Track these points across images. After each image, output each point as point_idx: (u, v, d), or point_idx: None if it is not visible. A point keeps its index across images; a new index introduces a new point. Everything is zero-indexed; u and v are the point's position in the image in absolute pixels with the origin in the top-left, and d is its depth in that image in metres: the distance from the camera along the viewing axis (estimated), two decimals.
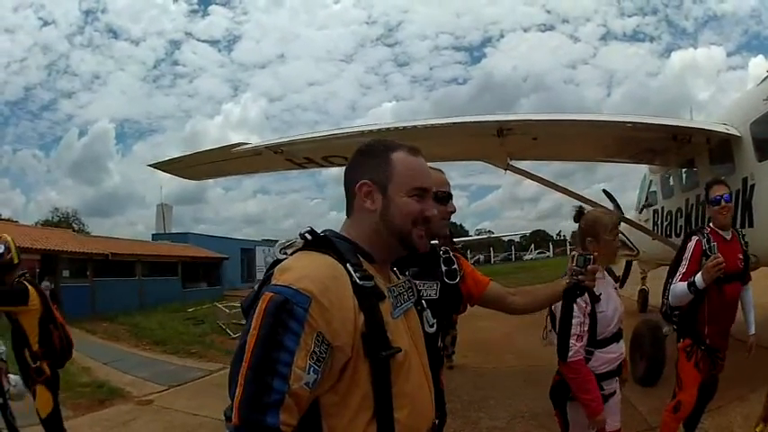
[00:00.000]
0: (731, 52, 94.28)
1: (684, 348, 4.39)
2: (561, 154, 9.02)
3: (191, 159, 8.04)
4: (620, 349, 3.53)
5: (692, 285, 4.00)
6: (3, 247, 4.83)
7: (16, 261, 4.89)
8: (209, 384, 9.24)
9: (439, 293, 2.72)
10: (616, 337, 3.50)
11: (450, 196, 2.72)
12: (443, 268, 2.77)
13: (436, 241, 2.94)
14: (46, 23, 76.39)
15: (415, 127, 6.62)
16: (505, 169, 7.09)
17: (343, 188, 1.76)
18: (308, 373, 1.38)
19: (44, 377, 4.84)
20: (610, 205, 10.61)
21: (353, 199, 1.71)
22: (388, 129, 6.71)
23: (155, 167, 8.30)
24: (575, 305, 3.04)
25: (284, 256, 1.59)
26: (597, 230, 3.52)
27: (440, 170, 2.75)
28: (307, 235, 1.60)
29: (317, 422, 1.46)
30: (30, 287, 4.82)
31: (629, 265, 13.52)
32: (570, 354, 3.23)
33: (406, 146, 1.75)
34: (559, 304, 2.99)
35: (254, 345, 1.38)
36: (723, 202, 4.28)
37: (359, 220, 1.70)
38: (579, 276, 2.70)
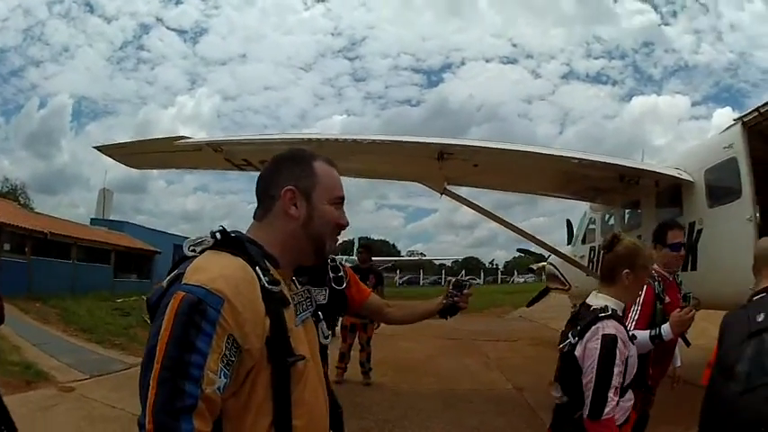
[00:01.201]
0: (696, 102, 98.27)
1: None
2: (502, 184, 9.02)
3: (134, 147, 7.88)
4: (632, 396, 3.16)
5: (656, 337, 3.72)
6: None
7: None
8: (129, 378, 9.02)
9: (327, 298, 2.70)
10: (632, 382, 3.07)
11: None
12: (331, 275, 2.95)
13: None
14: None
15: (355, 141, 6.49)
16: (441, 193, 7.04)
17: (255, 193, 1.75)
18: (220, 377, 1.35)
19: None
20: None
21: (272, 203, 1.69)
22: (327, 139, 6.64)
23: (99, 150, 8.09)
24: (616, 351, 2.72)
25: (193, 254, 1.56)
26: (635, 261, 3.05)
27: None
28: (217, 234, 1.57)
29: (218, 427, 1.41)
30: None
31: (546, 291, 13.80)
32: (607, 410, 2.70)
33: (325, 157, 1.79)
34: (595, 352, 2.72)
35: (166, 345, 1.33)
36: (682, 249, 4.25)
37: (273, 224, 1.69)
38: (455, 298, 2.91)
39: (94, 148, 8.14)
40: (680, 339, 4.21)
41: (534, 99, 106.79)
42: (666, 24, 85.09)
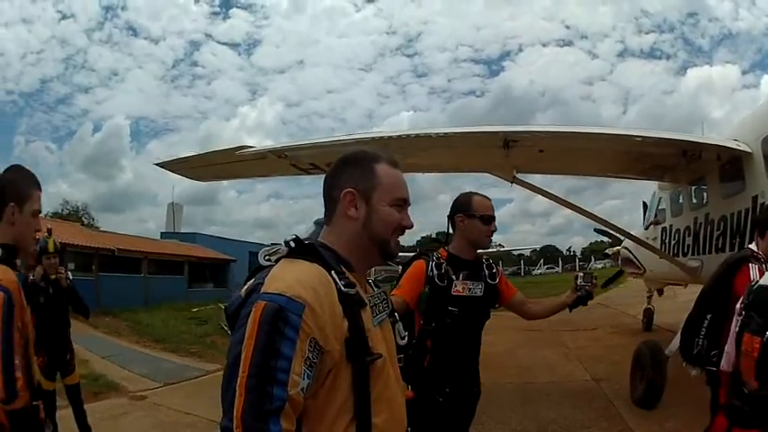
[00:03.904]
0: (745, 70, 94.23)
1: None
2: (569, 168, 8.84)
3: (197, 160, 8.04)
4: None
5: None
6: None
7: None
8: (206, 384, 9.28)
9: (483, 292, 3.45)
10: None
11: (493, 218, 3.46)
12: (486, 272, 3.50)
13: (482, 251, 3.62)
14: (64, 17, 77.15)
15: (418, 136, 6.50)
16: (511, 182, 6.95)
17: (322, 196, 1.80)
18: (303, 379, 1.41)
19: None
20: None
21: (335, 206, 1.73)
22: (391, 137, 6.65)
23: (161, 166, 8.28)
24: None
25: (268, 263, 1.63)
26: None
27: (487, 197, 3.51)
28: (291, 243, 1.62)
29: (297, 427, 1.45)
30: None
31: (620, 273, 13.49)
32: None
33: (388, 158, 1.80)
34: None
35: (252, 354, 1.40)
36: None
37: (339, 227, 1.73)
38: (586, 288, 3.50)
39: (156, 164, 8.33)
40: None
41: (594, 80, 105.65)
42: None
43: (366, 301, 1.63)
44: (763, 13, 74.90)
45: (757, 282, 2.85)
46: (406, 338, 1.90)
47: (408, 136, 6.46)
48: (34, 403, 2.45)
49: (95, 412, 7.13)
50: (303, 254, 1.59)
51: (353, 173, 1.73)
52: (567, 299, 3.55)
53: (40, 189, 2.62)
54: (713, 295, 3.59)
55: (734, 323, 2.85)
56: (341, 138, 7.30)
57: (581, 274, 3.64)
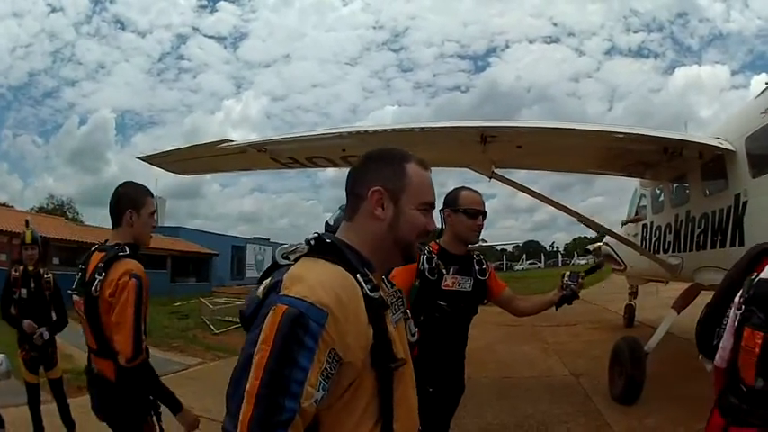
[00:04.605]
0: (735, 71, 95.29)
1: None
2: (548, 164, 8.84)
3: (178, 154, 7.94)
4: None
5: None
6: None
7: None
8: (186, 378, 9.29)
9: (472, 287, 3.49)
10: None
11: (479, 213, 3.45)
12: (476, 267, 3.54)
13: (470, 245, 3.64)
14: (54, 10, 76.71)
15: (395, 130, 6.45)
16: (489, 177, 6.87)
17: (345, 190, 1.74)
18: (318, 391, 1.35)
19: None
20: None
21: (360, 203, 1.66)
22: (367, 132, 6.55)
23: (143, 160, 8.19)
24: None
25: (287, 262, 1.55)
26: None
27: (477, 192, 3.53)
28: (312, 241, 1.55)
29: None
30: None
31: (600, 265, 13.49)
32: None
33: (418, 158, 1.74)
34: None
35: (267, 360, 1.33)
36: None
37: (363, 225, 1.65)
38: (572, 287, 3.55)
39: (138, 158, 8.25)
40: None
41: (581, 77, 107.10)
42: None
43: (389, 303, 1.59)
44: (755, 15, 75.54)
45: (758, 275, 2.76)
46: (416, 335, 1.81)
47: (385, 131, 6.39)
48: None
49: (79, 406, 6.99)
50: (326, 254, 1.52)
51: (383, 171, 1.67)
52: (553, 297, 3.61)
53: (152, 196, 3.51)
54: (737, 286, 3.20)
55: (732, 317, 2.78)
56: (318, 132, 7.29)
57: (567, 272, 3.68)
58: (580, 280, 3.61)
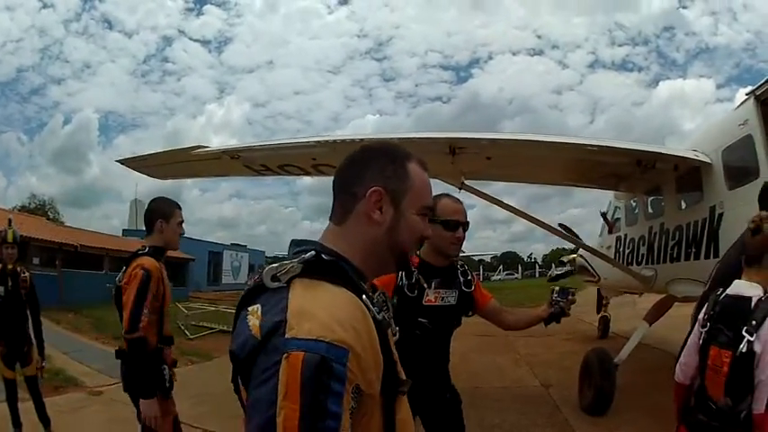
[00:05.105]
0: (720, 84, 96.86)
1: None
2: (519, 176, 8.78)
3: (156, 158, 7.84)
4: None
5: None
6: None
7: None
8: None
9: (457, 300, 3.32)
10: None
11: (460, 224, 3.21)
12: (461, 279, 3.36)
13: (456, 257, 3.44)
14: (45, 6, 76.42)
15: (362, 140, 6.29)
16: (459, 188, 6.78)
17: (332, 187, 1.55)
18: (349, 429, 1.19)
19: None
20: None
21: (353, 202, 1.47)
22: (339, 141, 6.50)
23: (122, 163, 8.10)
24: None
25: (277, 284, 1.29)
26: None
27: (459, 200, 3.35)
28: (307, 257, 1.33)
29: None
30: None
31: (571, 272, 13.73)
32: None
33: (418, 157, 1.57)
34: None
35: (299, 423, 1.12)
36: None
37: (355, 229, 1.47)
38: (561, 303, 3.38)
39: (117, 161, 8.23)
40: None
41: (563, 89, 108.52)
42: (684, 7, 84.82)
43: (389, 321, 1.43)
44: (744, 29, 76.60)
45: (723, 291, 2.70)
46: (398, 335, 1.59)
47: (354, 141, 6.31)
48: (160, 345, 3.98)
49: (55, 405, 7.33)
50: (324, 273, 1.32)
51: (384, 168, 1.48)
52: (542, 313, 3.45)
53: (180, 208, 4.18)
54: None
55: (696, 335, 2.73)
56: (290, 141, 7.26)
57: (557, 288, 3.51)
58: (570, 297, 3.42)
